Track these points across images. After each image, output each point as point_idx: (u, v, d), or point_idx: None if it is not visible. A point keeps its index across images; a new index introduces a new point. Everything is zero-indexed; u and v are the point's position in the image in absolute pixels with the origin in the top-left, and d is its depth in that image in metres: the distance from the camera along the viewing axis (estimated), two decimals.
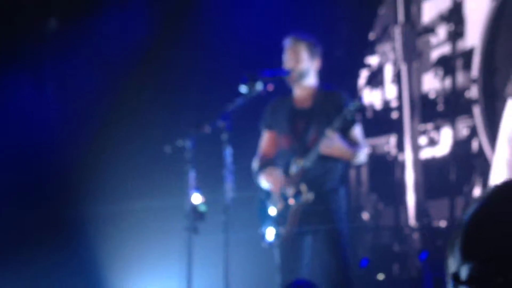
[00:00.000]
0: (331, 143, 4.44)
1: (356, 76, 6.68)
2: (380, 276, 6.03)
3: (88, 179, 6.90)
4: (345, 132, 4.64)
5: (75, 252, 6.73)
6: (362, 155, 4.71)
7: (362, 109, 4.53)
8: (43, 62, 7.40)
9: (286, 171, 4.75)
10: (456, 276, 1.04)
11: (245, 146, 5.10)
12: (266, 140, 4.95)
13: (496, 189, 1.13)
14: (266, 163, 4.82)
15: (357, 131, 4.71)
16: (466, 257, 1.05)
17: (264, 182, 4.76)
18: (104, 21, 7.01)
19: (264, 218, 4.84)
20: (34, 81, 7.39)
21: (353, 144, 4.64)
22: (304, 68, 4.76)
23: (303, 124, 4.77)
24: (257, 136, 5.03)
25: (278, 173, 4.70)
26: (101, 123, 6.97)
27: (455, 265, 1.06)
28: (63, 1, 7.26)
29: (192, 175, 4.32)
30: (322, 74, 4.93)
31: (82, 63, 7.10)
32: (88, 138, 6.98)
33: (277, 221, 4.76)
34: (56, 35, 7.30)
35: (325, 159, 4.67)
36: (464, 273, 1.04)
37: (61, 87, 7.36)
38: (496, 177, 3.37)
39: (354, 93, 5.50)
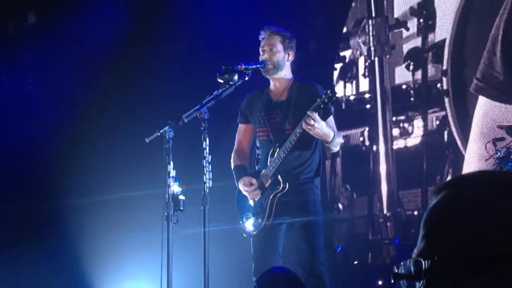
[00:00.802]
0: (314, 122, 4.52)
1: (330, 69, 6.79)
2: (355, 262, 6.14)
3: (67, 171, 6.92)
4: None
5: (55, 244, 6.75)
6: (339, 141, 4.81)
7: (334, 98, 4.60)
8: (22, 54, 7.40)
9: (264, 163, 4.85)
10: (417, 269, 1.13)
11: (223, 137, 5.19)
12: (242, 133, 5.05)
13: (450, 186, 1.19)
14: (241, 170, 4.92)
15: (331, 122, 4.82)
16: (422, 252, 1.14)
17: (241, 189, 4.87)
18: (83, 14, 7.02)
19: (242, 209, 4.93)
20: (12, 73, 7.39)
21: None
22: (279, 60, 4.85)
23: (280, 116, 4.87)
24: (234, 126, 5.12)
25: (252, 185, 4.80)
26: (80, 116, 6.98)
27: (415, 257, 1.15)
28: None
29: (171, 166, 4.37)
30: (297, 67, 5.03)
31: (61, 56, 7.12)
32: (67, 130, 6.99)
33: (255, 212, 4.86)
34: (35, 28, 7.31)
35: (301, 150, 4.77)
36: (424, 265, 1.13)
37: (41, 80, 7.37)
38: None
39: (329, 86, 5.59)
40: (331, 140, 4.68)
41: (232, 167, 5.00)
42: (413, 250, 1.17)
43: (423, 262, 1.13)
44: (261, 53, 4.89)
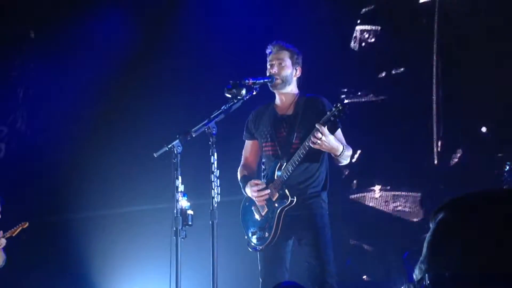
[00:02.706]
0: (322, 136, 4.51)
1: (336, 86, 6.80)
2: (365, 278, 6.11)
3: (77, 185, 6.93)
4: None
5: (65, 257, 6.76)
6: (349, 154, 4.79)
7: (345, 110, 4.58)
8: (28, 68, 7.43)
9: (271, 177, 4.85)
10: (420, 281, 1.23)
11: (231, 151, 5.18)
12: (248, 150, 5.06)
13: (453, 204, 1.28)
14: (248, 178, 4.92)
15: (340, 135, 4.81)
16: (426, 269, 1.25)
17: (250, 196, 4.86)
18: (90, 28, 7.06)
19: (249, 223, 4.92)
20: (14, 89, 7.42)
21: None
22: (287, 74, 4.87)
23: (286, 130, 4.86)
24: (242, 141, 5.12)
25: (259, 186, 4.79)
26: (90, 131, 7.00)
27: (420, 274, 1.26)
28: (45, 10, 7.30)
29: (179, 180, 4.37)
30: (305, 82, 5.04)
31: (69, 69, 7.14)
32: (77, 145, 7.01)
33: (262, 226, 4.84)
34: (39, 41, 7.34)
35: (308, 164, 4.76)
36: (427, 279, 1.23)
37: (48, 93, 7.39)
38: None
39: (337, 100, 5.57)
40: (340, 154, 4.67)
41: (239, 178, 4.99)
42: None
43: (427, 281, 1.19)
44: (268, 67, 4.90)
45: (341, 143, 4.70)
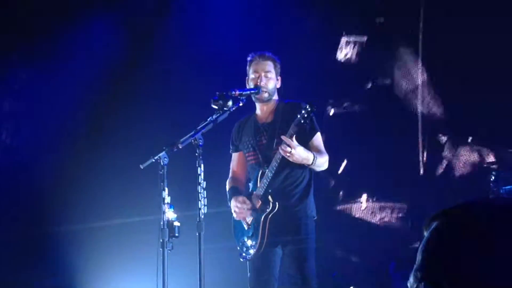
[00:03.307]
0: (289, 149, 4.50)
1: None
2: None
3: (62, 197, 6.89)
4: (306, 142, 4.73)
5: (50, 270, 6.71)
6: (323, 161, 4.75)
7: (314, 111, 4.55)
8: (14, 77, 7.39)
9: (254, 185, 4.85)
10: None
11: (218, 163, 5.18)
12: (235, 162, 5.07)
13: (449, 215, 1.30)
14: (236, 190, 4.91)
15: (318, 140, 4.80)
16: (422, 277, 1.25)
17: (232, 208, 4.86)
18: (76, 38, 7.04)
19: (239, 233, 4.91)
20: (3, 97, 7.38)
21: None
22: (273, 87, 4.89)
23: (266, 138, 4.87)
24: (229, 152, 5.12)
25: (244, 204, 4.79)
26: (75, 142, 6.97)
27: (415, 282, 1.26)
28: (29, 19, 7.26)
29: (165, 192, 4.36)
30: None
31: (54, 80, 7.11)
32: (62, 156, 6.98)
33: (249, 235, 4.84)
34: (27, 51, 7.31)
35: (290, 170, 4.75)
36: (422, 287, 1.24)
37: (33, 104, 7.35)
38: None
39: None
40: (312, 163, 4.65)
41: (227, 189, 5.00)
42: (408, 274, 1.28)
43: None
44: (253, 76, 4.88)
45: (317, 150, 4.67)
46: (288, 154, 4.51)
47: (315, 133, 4.74)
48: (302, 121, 4.51)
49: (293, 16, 6.83)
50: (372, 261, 6.38)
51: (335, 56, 6.86)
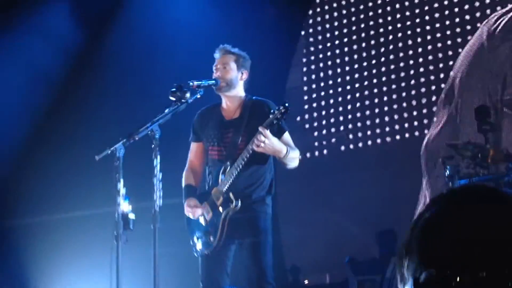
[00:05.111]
0: (264, 138, 4.51)
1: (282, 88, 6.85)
2: (306, 281, 6.13)
3: (15, 190, 6.79)
4: None
5: (5, 263, 6.60)
6: (295, 156, 4.78)
7: (287, 112, 4.60)
8: None
9: (215, 181, 4.83)
10: (416, 280, 1.18)
11: (175, 155, 5.15)
12: (194, 151, 5.03)
13: (448, 194, 1.27)
14: (191, 190, 4.89)
15: (287, 138, 4.82)
16: (423, 263, 1.19)
17: (185, 208, 4.85)
18: (31, 31, 6.91)
19: (194, 228, 4.89)
20: None
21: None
22: (232, 78, 4.87)
23: (232, 134, 4.85)
24: (186, 144, 5.09)
25: (196, 210, 4.77)
26: (27, 133, 6.87)
27: (412, 268, 1.20)
28: None
29: (121, 184, 4.31)
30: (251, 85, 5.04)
31: (8, 72, 6.98)
32: (14, 148, 6.86)
33: (206, 231, 4.82)
34: None
35: (253, 168, 4.75)
36: (422, 276, 1.17)
37: None
38: None
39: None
40: (284, 156, 4.67)
41: (183, 185, 4.96)
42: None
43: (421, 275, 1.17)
44: (214, 71, 4.90)
45: (286, 146, 4.70)
46: (262, 145, 4.50)
47: (284, 132, 4.76)
48: (274, 122, 4.53)
49: (252, 8, 6.82)
50: (328, 254, 6.41)
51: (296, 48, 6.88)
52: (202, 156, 5.01)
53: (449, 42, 6.47)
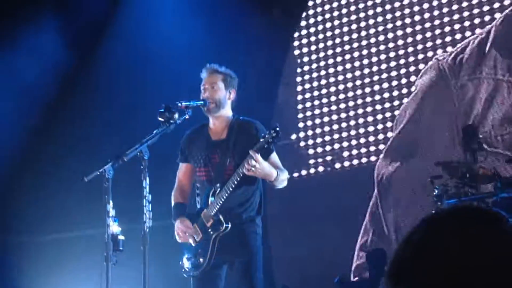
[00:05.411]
0: (255, 163, 4.51)
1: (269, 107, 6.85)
2: None
3: (4, 210, 6.76)
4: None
5: None
6: (284, 178, 4.78)
7: (279, 136, 4.60)
8: None
9: (204, 203, 4.82)
10: None
11: (163, 176, 5.14)
12: (182, 172, 5.01)
13: (438, 216, 1.27)
14: (181, 208, 4.88)
15: (275, 158, 4.83)
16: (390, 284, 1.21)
17: (175, 228, 4.83)
18: (21, 49, 6.91)
19: (183, 249, 4.87)
20: None
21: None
22: (220, 97, 4.85)
23: (219, 155, 4.84)
24: (175, 165, 5.08)
25: (187, 230, 4.76)
26: (17, 154, 6.85)
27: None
28: None
29: (110, 205, 4.31)
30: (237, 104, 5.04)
31: None
32: (6, 170, 6.84)
33: (196, 252, 4.80)
34: None
35: (243, 189, 4.75)
36: None
37: None
38: None
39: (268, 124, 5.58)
40: (275, 179, 4.68)
41: (172, 204, 4.95)
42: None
43: None
44: (202, 91, 4.89)
45: (277, 167, 4.71)
46: (253, 169, 4.50)
47: (271, 152, 4.76)
48: (265, 146, 4.53)
49: (242, 26, 6.83)
50: (321, 272, 6.39)
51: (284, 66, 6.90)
52: (190, 176, 5.00)
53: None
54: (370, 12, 6.78)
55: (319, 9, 7.05)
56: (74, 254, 6.44)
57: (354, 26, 6.85)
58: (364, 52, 6.77)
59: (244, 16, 6.77)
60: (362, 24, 6.81)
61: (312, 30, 7.09)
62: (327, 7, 7.00)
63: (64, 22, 7.08)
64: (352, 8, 6.87)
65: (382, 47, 6.70)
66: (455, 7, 6.39)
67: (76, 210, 6.30)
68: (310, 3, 7.07)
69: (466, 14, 6.34)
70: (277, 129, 4.57)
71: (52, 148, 6.85)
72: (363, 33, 6.79)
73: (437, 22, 6.44)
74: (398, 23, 6.65)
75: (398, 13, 6.66)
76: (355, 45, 6.82)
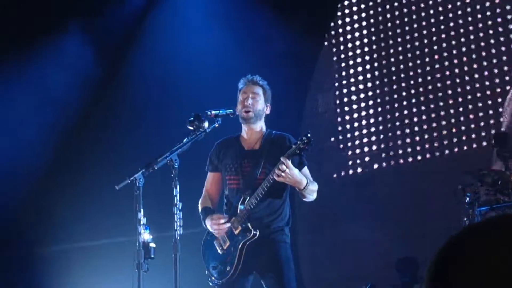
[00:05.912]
0: (286, 168, 4.50)
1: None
2: None
3: (37, 219, 6.83)
4: None
5: None
6: (314, 189, 4.76)
7: (310, 143, 4.58)
8: None
9: (234, 211, 4.81)
10: None
11: (194, 184, 5.17)
12: (210, 181, 5.01)
13: (476, 227, 1.26)
14: (209, 210, 4.89)
15: (307, 172, 4.81)
16: None
17: (209, 228, 4.82)
18: (45, 60, 6.99)
19: (210, 257, 4.87)
20: None
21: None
22: (260, 109, 4.85)
23: (251, 164, 4.83)
24: (205, 173, 5.10)
25: (221, 220, 4.77)
26: (49, 163, 6.92)
27: None
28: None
29: (141, 213, 4.34)
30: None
31: (27, 101, 7.05)
32: (37, 178, 6.91)
33: (223, 260, 4.79)
34: None
35: (271, 200, 4.74)
36: None
37: (3, 126, 7.27)
38: None
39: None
40: (304, 188, 4.65)
41: (200, 209, 4.95)
42: None
43: None
44: (241, 99, 4.87)
45: (306, 178, 4.69)
46: (283, 174, 4.49)
47: (303, 167, 4.75)
48: (296, 152, 4.51)
49: (268, 39, 6.85)
50: (349, 280, 6.37)
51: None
52: (218, 185, 5.00)
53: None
54: (397, 21, 6.81)
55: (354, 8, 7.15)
56: (106, 262, 6.49)
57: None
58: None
59: (271, 28, 6.80)
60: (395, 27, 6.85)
61: (341, 38, 7.12)
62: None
63: (93, 35, 7.16)
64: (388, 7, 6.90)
65: (409, 54, 6.69)
66: None
67: (108, 218, 6.34)
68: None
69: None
70: (309, 135, 4.54)
71: (83, 157, 6.92)
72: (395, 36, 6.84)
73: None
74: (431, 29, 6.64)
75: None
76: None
